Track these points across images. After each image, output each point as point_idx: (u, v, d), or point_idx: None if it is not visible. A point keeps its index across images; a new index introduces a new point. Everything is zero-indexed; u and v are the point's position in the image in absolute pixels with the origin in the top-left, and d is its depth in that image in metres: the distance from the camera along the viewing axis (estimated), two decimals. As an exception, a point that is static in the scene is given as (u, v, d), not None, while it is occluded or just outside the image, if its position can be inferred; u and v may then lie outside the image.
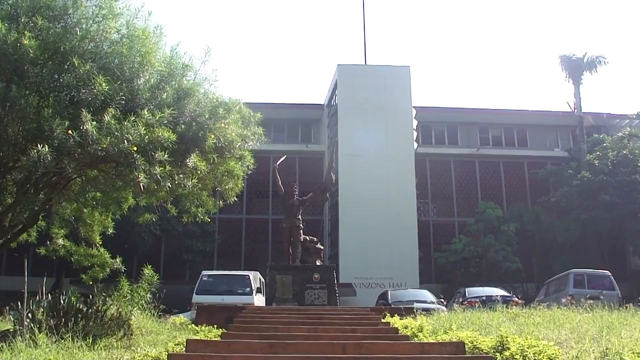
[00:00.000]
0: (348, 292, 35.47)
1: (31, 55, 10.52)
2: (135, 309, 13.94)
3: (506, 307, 16.49)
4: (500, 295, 21.42)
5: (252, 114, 14.19)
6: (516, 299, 22.18)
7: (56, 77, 11.08)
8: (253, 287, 23.30)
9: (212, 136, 12.12)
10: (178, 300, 20.96)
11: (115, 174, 12.29)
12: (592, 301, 15.82)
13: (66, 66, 10.88)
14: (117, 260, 17.80)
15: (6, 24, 10.62)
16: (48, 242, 17.65)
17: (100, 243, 17.63)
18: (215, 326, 14.39)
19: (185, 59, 12.62)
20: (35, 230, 16.72)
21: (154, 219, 18.18)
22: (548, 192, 43.29)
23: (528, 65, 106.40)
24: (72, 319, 11.03)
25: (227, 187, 14.23)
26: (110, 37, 11.49)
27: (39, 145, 9.77)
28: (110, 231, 17.32)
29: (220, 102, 13.00)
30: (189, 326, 14.86)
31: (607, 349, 8.68)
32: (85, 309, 12.08)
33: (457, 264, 39.69)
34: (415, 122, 42.77)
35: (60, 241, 17.44)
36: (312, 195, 25.96)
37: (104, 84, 10.40)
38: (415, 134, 42.95)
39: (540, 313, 14.53)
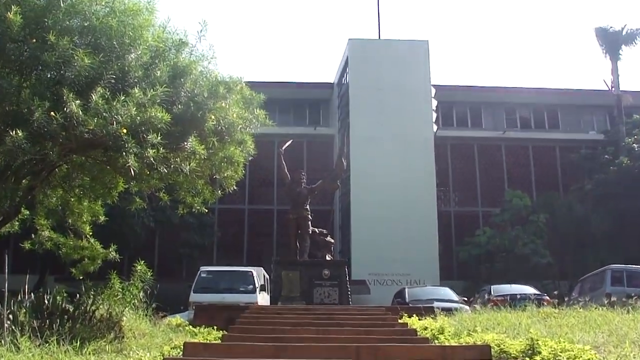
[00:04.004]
0: (361, 289, 35.50)
1: (15, 30, 10.48)
2: (127, 309, 13.93)
3: (536, 306, 16.41)
4: (530, 294, 21.33)
5: (254, 94, 14.13)
6: (547, 297, 22.07)
7: (38, 54, 11.03)
8: (256, 285, 23.31)
9: (212, 117, 12.09)
10: (174, 299, 20.96)
11: (104, 159, 12.25)
12: (632, 300, 15.73)
13: (49, 42, 10.82)
14: (111, 250, 17.74)
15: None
16: (33, 234, 17.64)
17: (91, 234, 17.61)
18: (215, 328, 14.38)
19: (180, 34, 12.58)
20: (18, 221, 16.71)
21: (146, 207, 18.13)
22: (582, 179, 43.09)
23: (560, 39, 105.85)
24: (58, 320, 11.03)
25: (226, 174, 14.16)
26: (99, 11, 11.43)
27: (15, 130, 9.73)
28: (102, 219, 17.29)
29: (220, 81, 12.96)
30: (186, 328, 14.86)
31: (649, 353, 8.60)
32: (72, 309, 12.08)
33: (482, 259, 39.64)
34: (434, 103, 42.66)
35: (46, 233, 17.41)
36: (321, 183, 25.88)
37: (86, 59, 10.34)
38: (434, 115, 42.85)
39: (575, 313, 14.43)
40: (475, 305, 19.40)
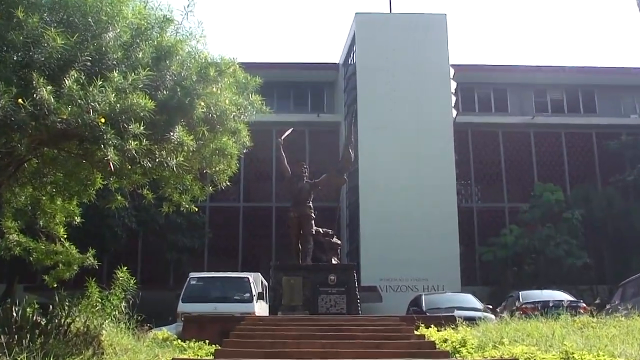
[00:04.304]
0: (372, 297, 35.58)
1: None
2: (107, 321, 13.95)
3: (571, 315, 16.42)
4: (564, 300, 21.34)
5: (250, 77, 14.11)
6: (584, 304, 22.11)
7: (3, 33, 11.02)
8: (254, 293, 23.42)
9: (202, 104, 12.08)
10: (160, 310, 21.02)
11: (79, 152, 12.25)
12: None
13: (15, 20, 10.82)
14: (89, 255, 17.74)
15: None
16: (-1, 238, 17.66)
17: (65, 237, 17.61)
18: (207, 342, 14.41)
19: (165, 9, 12.55)
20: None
21: (127, 206, 18.11)
22: (623, 169, 43.10)
23: (598, 10, 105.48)
24: (28, 335, 11.02)
25: (218, 168, 14.16)
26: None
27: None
28: (77, 220, 17.28)
29: (210, 63, 12.92)
30: (174, 342, 14.90)
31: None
32: (44, 323, 12.09)
33: (508, 261, 39.68)
34: (453, 85, 42.65)
35: (15, 237, 17.39)
36: (326, 177, 25.84)
37: (58, 39, 10.34)
38: (454, 99, 42.86)
39: (616, 323, 14.43)
40: (502, 314, 19.44)
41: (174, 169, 12.57)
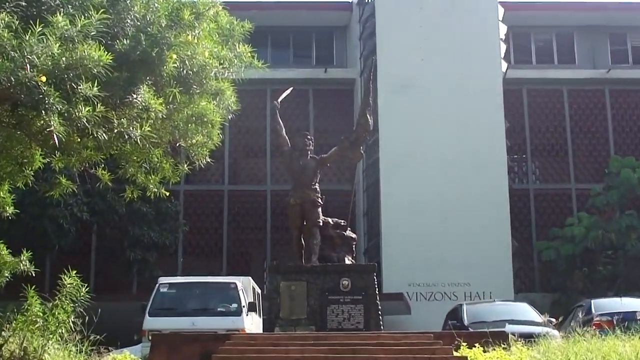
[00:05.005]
0: (397, 307, 35.59)
1: None
2: (50, 342, 14.00)
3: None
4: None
5: (236, 22, 14.09)
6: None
7: None
8: (243, 303, 23.41)
9: (174, 57, 12.05)
10: (121, 326, 21.07)
11: (12, 121, 12.25)
12: None
13: None
14: (24, 257, 17.73)
15: None
16: None
17: (-6, 233, 17.63)
18: (182, 368, 14.47)
19: None
20: None
21: (76, 191, 18.09)
22: None
23: None
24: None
25: (195, 140, 14.17)
26: None
27: None
28: (10, 210, 17.25)
29: (184, 3, 12.89)
30: (140, 368, 14.95)
31: None
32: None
33: (576, 260, 39.53)
34: (503, 29, 42.50)
35: None
36: (336, 151, 25.68)
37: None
38: (503, 47, 42.70)
39: None
40: (568, 330, 19.43)
41: (138, 141, 12.57)
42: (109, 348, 16.98)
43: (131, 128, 12.19)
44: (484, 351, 15.39)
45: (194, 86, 13.09)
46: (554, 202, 44.58)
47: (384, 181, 40.08)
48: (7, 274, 17.71)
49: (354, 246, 25.86)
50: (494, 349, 15.38)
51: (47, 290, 16.37)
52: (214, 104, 13.93)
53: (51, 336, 14.40)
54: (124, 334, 21.78)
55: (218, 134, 14.62)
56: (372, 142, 38.21)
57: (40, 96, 10.36)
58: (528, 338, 17.03)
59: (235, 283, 24.35)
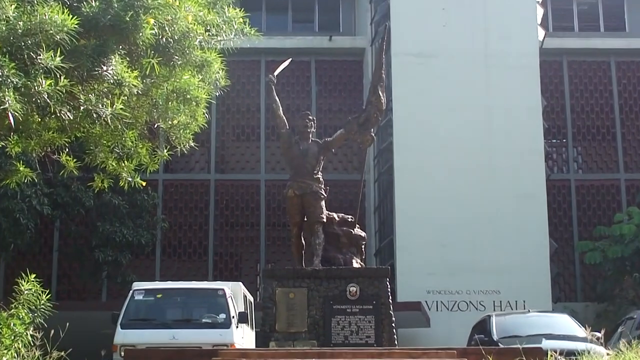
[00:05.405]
0: (415, 319, 35.63)
1: None
2: (5, 358, 13.93)
3: None
4: None
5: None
6: None
7: None
8: (232, 313, 23.40)
9: (152, 22, 11.97)
10: (88, 340, 21.05)
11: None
12: None
13: None
14: None
15: None
16: None
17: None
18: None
19: None
20: None
21: (36, 180, 18.05)
22: None
23: None
24: None
25: (177, 121, 14.11)
26: None
27: None
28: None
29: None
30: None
31: None
32: None
33: (626, 264, 39.52)
34: (539, -9, 42.55)
35: None
36: (343, 133, 25.65)
37: None
38: (540, 12, 42.65)
39: None
40: (617, 345, 19.40)
41: (109, 122, 12.48)
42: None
43: (101, 106, 12.12)
44: (517, 371, 15.37)
45: (175, 57, 13.05)
46: (600, 195, 44.56)
47: (397, 170, 40.01)
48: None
49: (363, 246, 25.87)
50: (530, 369, 15.34)
51: (1, 298, 16.33)
52: (198, 78, 13.86)
53: (6, 351, 14.35)
54: (92, 349, 21.76)
55: (203, 114, 14.58)
56: (384, 124, 38.16)
57: (-7, 68, 10.29)
58: (568, 355, 16.98)
59: (223, 289, 24.35)
